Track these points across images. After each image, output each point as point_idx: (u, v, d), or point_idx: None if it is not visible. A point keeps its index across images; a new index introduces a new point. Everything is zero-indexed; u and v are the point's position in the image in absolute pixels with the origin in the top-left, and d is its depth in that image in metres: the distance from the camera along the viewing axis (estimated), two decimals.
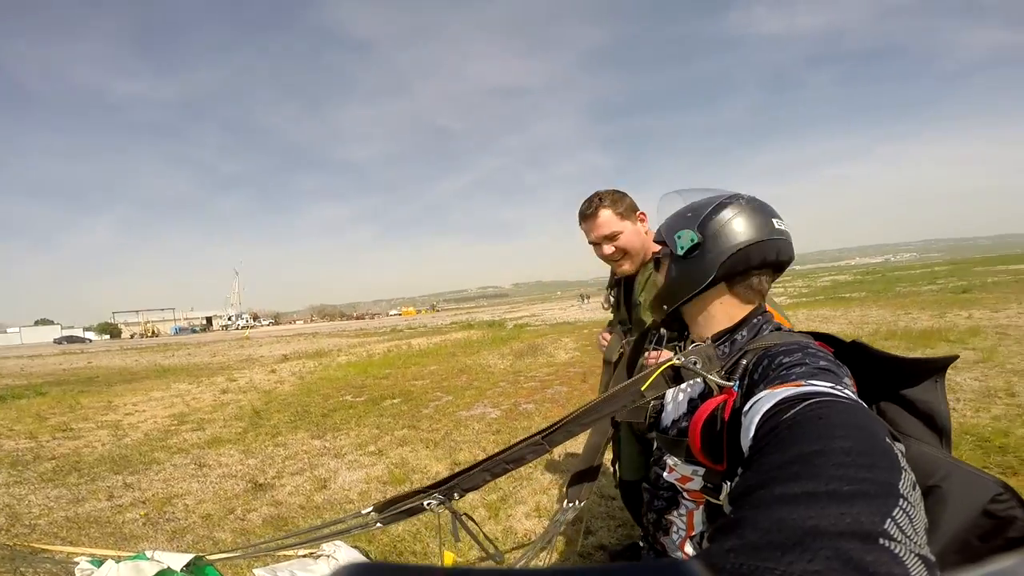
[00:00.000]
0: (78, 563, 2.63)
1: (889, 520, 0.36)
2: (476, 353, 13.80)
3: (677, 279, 1.03)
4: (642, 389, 0.98)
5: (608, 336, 2.06)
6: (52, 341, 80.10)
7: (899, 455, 0.45)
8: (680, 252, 1.00)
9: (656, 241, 1.10)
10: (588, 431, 1.34)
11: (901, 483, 0.41)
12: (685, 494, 1.04)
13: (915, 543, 0.36)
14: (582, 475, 1.38)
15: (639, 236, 1.93)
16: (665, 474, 1.09)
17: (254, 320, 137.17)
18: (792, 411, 0.55)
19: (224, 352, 25.36)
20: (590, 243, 1.94)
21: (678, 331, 1.17)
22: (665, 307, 1.06)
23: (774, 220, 0.98)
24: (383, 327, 44.51)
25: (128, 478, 5.02)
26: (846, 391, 0.61)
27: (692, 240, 0.99)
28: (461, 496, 1.20)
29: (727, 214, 0.98)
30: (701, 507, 1.00)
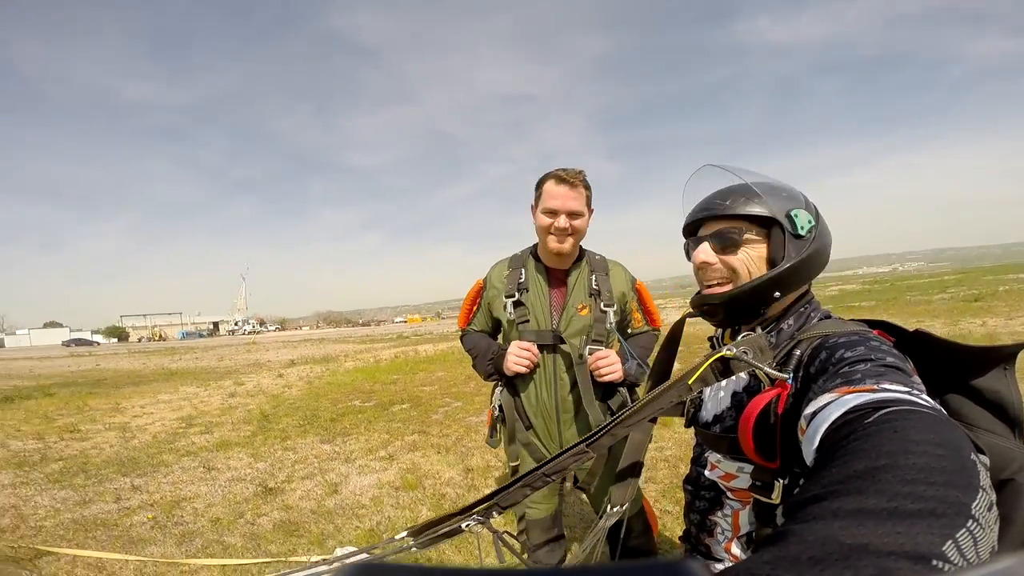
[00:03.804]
0: None
1: (951, 542, 0.34)
2: None
3: (803, 261, 0.93)
4: (689, 383, 0.91)
5: (535, 349, 1.80)
6: (61, 343, 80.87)
7: (980, 472, 0.42)
8: (802, 232, 0.93)
9: (726, 215, 0.98)
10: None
11: (975, 503, 0.38)
12: (729, 493, 0.98)
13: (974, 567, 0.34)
14: (626, 473, 1.30)
15: (587, 228, 1.84)
16: (707, 472, 1.02)
17: (260, 325, 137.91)
18: (864, 421, 0.51)
19: (231, 356, 25.41)
20: (545, 210, 1.75)
21: (739, 323, 1.05)
22: (778, 294, 0.95)
23: None
24: (389, 334, 44.54)
25: (136, 480, 4.95)
26: (924, 397, 0.56)
27: (810, 222, 0.94)
28: (500, 514, 1.12)
29: (814, 206, 0.96)
30: (748, 507, 0.94)
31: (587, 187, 1.80)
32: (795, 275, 0.94)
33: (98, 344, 79.46)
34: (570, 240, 1.79)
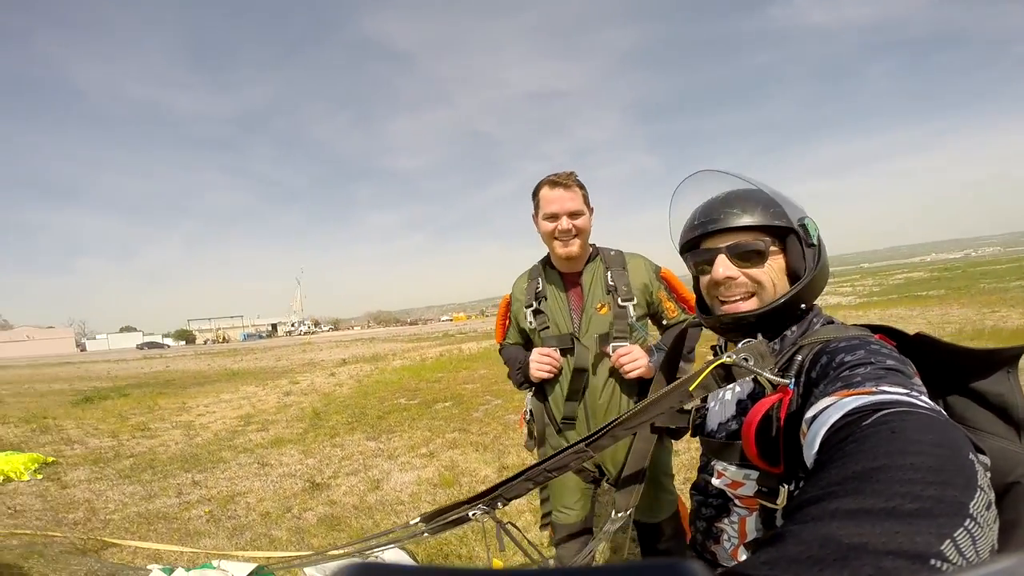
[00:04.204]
0: (151, 571, 2.77)
1: (949, 541, 0.34)
2: None
3: (820, 271, 0.93)
4: (690, 389, 0.90)
5: (556, 354, 1.82)
6: (135, 347, 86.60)
7: (979, 472, 0.41)
8: (814, 240, 0.93)
9: (746, 227, 0.94)
10: (630, 439, 1.29)
11: (973, 503, 0.37)
12: (736, 501, 0.97)
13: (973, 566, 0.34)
14: (630, 480, 1.31)
15: (590, 226, 1.83)
16: (714, 480, 1.01)
17: (315, 326, 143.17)
18: (862, 423, 0.51)
19: (288, 356, 26.53)
20: (546, 216, 1.78)
21: (760, 333, 0.99)
22: (804, 305, 0.94)
23: None
24: (435, 332, 45.36)
25: (197, 476, 5.27)
26: (923, 398, 0.56)
27: (816, 229, 0.94)
28: (505, 505, 1.17)
29: None
30: (754, 514, 0.93)
31: (581, 186, 1.80)
32: (816, 285, 0.94)
33: (168, 347, 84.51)
34: (576, 241, 1.79)
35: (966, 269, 41.41)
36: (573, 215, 1.76)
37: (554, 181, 1.78)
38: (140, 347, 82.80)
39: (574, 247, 1.79)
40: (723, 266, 0.95)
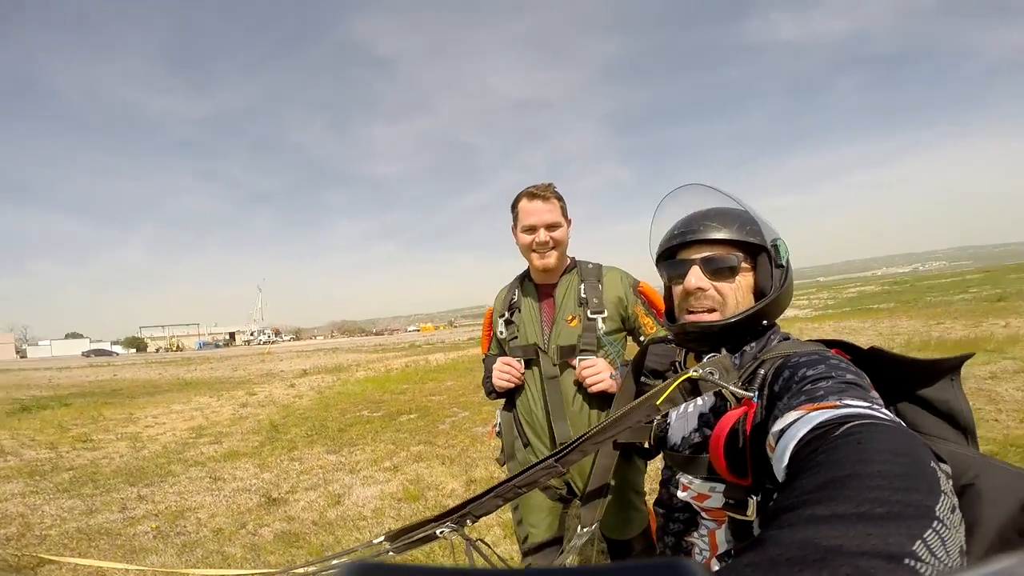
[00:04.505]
0: None
1: (919, 542, 0.35)
2: None
3: (786, 291, 0.97)
4: (657, 404, 0.92)
5: (517, 364, 1.84)
6: (80, 354, 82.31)
7: (941, 478, 0.44)
8: (783, 261, 0.96)
9: (721, 240, 0.98)
10: (594, 455, 1.30)
11: (939, 506, 0.40)
12: (703, 514, 0.98)
13: (946, 566, 0.36)
14: (594, 495, 1.31)
15: (568, 238, 1.85)
16: (679, 493, 1.01)
17: (275, 335, 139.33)
18: (830, 435, 0.54)
19: (245, 366, 25.68)
20: (524, 228, 1.79)
21: (722, 346, 1.03)
22: (766, 322, 0.97)
23: None
24: (401, 343, 44.73)
25: (143, 490, 4.99)
26: (884, 411, 0.59)
27: (787, 251, 0.96)
28: (474, 522, 1.14)
29: None
30: (723, 526, 0.94)
31: (559, 198, 1.81)
32: (780, 303, 0.97)
33: (116, 354, 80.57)
34: (553, 253, 1.80)
35: (914, 283, 43.65)
36: (551, 227, 1.77)
37: (532, 193, 1.79)
38: (86, 354, 78.63)
39: (551, 259, 1.80)
40: (696, 276, 0.98)
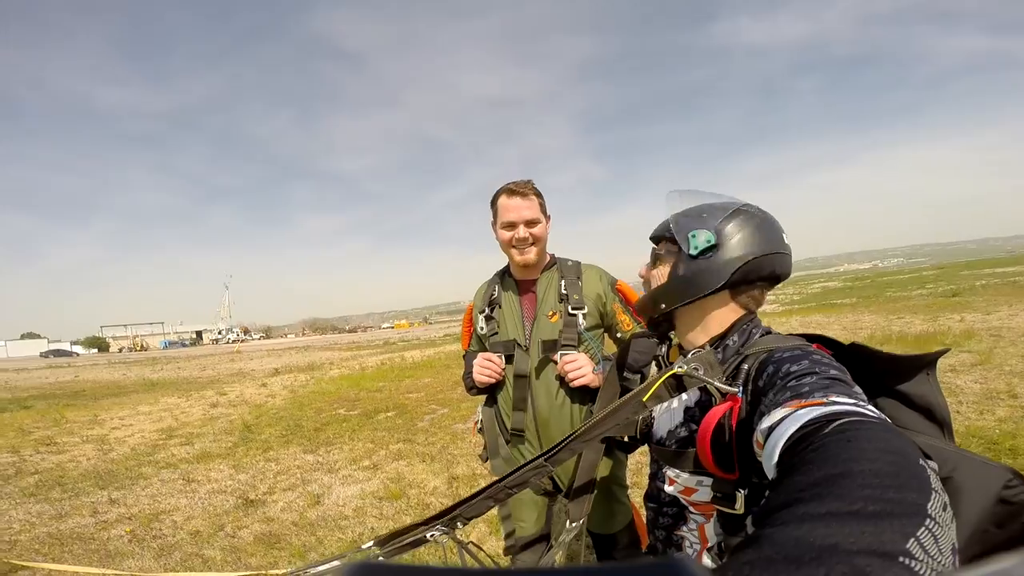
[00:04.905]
0: None
1: (913, 540, 0.36)
2: None
3: (686, 278, 1.00)
4: (644, 400, 0.94)
5: (498, 359, 1.86)
6: (39, 355, 78.96)
7: (931, 476, 0.44)
8: (693, 252, 0.98)
9: (655, 238, 1.10)
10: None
11: (930, 504, 0.40)
12: (691, 507, 1.00)
13: (940, 563, 0.36)
14: (582, 490, 1.34)
15: (547, 234, 1.88)
16: (667, 487, 1.04)
17: (244, 334, 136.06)
18: (819, 433, 0.54)
19: (214, 366, 25.06)
20: (503, 224, 1.82)
21: (662, 334, 1.17)
22: (664, 306, 1.04)
23: (783, 235, 1.01)
24: (376, 340, 44.24)
25: (114, 494, 4.86)
26: (869, 408, 0.60)
27: (708, 242, 0.97)
28: (464, 525, 1.15)
29: (745, 221, 0.98)
30: (712, 519, 0.96)
31: (538, 195, 1.84)
32: (676, 291, 1.01)
33: (77, 355, 77.60)
34: (533, 249, 1.82)
35: (874, 279, 45.11)
36: (530, 223, 1.80)
37: (512, 190, 1.81)
38: (44, 355, 75.49)
39: (530, 255, 1.82)
40: (642, 267, 1.14)
